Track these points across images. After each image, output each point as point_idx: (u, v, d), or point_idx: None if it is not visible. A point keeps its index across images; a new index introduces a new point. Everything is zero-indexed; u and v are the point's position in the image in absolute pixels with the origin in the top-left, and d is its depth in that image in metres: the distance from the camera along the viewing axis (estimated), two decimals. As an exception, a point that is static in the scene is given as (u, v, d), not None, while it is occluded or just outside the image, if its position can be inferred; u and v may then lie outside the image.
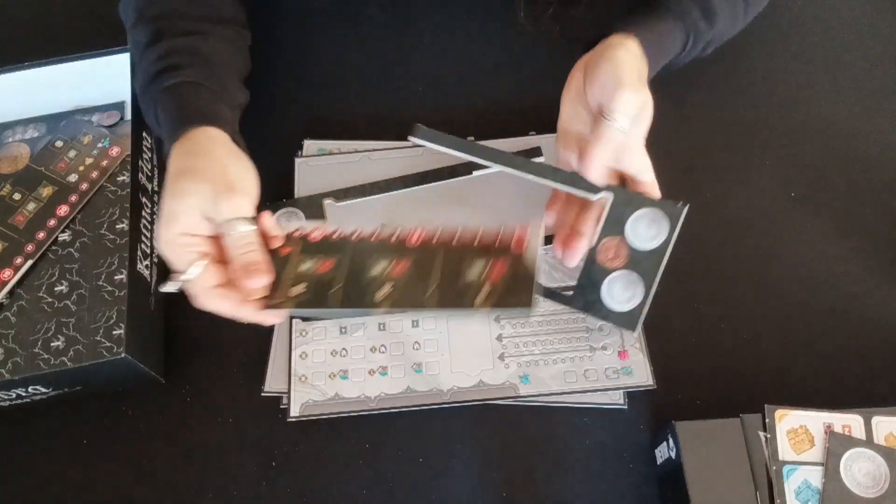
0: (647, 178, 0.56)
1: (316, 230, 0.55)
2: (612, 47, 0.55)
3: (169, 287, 0.50)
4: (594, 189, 0.55)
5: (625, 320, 0.55)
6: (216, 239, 0.52)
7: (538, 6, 0.65)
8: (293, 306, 0.51)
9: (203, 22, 0.61)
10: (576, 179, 0.56)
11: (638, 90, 0.53)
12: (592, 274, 0.56)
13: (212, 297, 0.51)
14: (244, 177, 0.53)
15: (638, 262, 0.55)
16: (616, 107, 0.52)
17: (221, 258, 0.52)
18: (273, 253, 0.53)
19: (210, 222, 0.51)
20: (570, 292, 0.56)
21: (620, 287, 0.55)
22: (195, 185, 0.50)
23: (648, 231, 0.55)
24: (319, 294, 0.51)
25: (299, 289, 0.52)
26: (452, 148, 0.57)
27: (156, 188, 0.66)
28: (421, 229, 0.54)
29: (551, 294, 0.57)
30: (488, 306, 0.49)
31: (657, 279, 0.54)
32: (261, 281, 0.51)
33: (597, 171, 0.54)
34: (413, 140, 0.57)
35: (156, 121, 0.58)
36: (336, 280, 0.52)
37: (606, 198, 0.55)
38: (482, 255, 0.51)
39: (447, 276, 0.51)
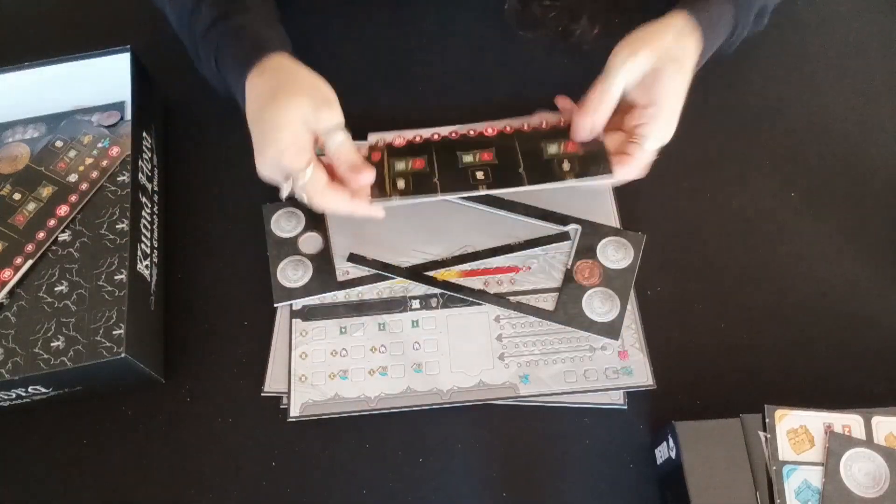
0: (644, 144, 0.58)
1: (397, 138, 0.63)
2: (670, 61, 0.56)
3: (286, 191, 0.55)
4: (565, 222, 0.64)
5: (606, 330, 0.60)
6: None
7: (529, 12, 0.66)
8: (401, 196, 0.58)
9: None
10: (547, 214, 0.64)
11: (676, 118, 0.57)
12: (572, 291, 0.61)
13: (327, 196, 0.55)
14: (332, 91, 0.56)
15: (612, 279, 0.61)
16: (652, 135, 0.57)
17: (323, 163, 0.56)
18: (366, 159, 0.58)
19: (310, 132, 0.55)
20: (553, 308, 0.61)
21: (599, 301, 0.61)
22: (296, 98, 0.54)
23: (616, 254, 0.62)
24: (422, 184, 0.59)
25: (401, 183, 0.59)
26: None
27: (156, 188, 0.66)
28: (491, 125, 0.64)
29: (535, 311, 0.61)
30: (573, 176, 0.58)
31: (630, 292, 0.61)
32: (368, 177, 0.56)
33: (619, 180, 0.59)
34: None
35: (215, 65, 0.60)
36: (432, 173, 0.59)
37: (575, 228, 0.64)
38: (553, 136, 0.61)
39: (529, 156, 0.60)
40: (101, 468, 0.58)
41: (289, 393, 0.59)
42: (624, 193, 0.65)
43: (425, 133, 0.65)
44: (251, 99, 0.56)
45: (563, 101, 0.64)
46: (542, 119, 0.63)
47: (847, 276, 0.62)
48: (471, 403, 0.58)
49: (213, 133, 0.72)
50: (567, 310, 0.61)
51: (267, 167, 0.55)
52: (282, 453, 0.58)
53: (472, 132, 0.64)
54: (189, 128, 0.72)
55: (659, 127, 0.57)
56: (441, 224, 0.65)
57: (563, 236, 0.63)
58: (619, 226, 0.64)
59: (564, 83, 0.63)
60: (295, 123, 0.54)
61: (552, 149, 0.60)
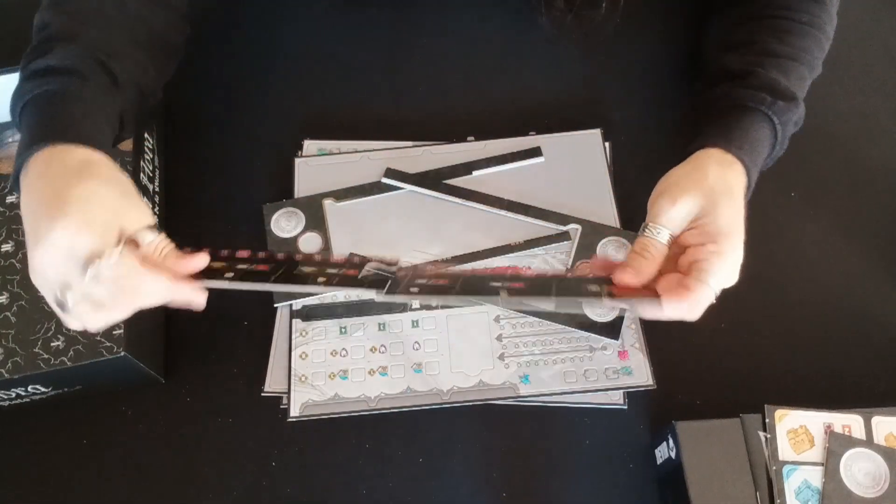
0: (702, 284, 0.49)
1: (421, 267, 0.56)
2: (719, 195, 0.50)
3: (75, 294, 0.44)
4: (565, 222, 0.63)
5: (606, 330, 0.59)
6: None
7: (558, 11, 0.63)
8: (232, 279, 0.50)
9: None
10: (547, 214, 0.63)
11: (740, 253, 0.50)
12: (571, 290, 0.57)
13: (143, 278, 0.46)
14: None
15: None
16: (716, 273, 0.49)
17: None
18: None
19: (118, 223, 0.46)
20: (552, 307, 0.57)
21: None
22: (110, 182, 0.46)
23: (617, 254, 0.62)
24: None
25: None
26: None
27: (157, 188, 0.66)
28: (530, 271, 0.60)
29: (534, 312, 0.60)
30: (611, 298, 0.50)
31: None
32: (203, 259, 0.49)
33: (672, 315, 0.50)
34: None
35: (20, 110, 0.51)
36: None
37: (575, 228, 0.63)
38: (597, 281, 0.51)
39: (564, 291, 0.51)
40: (101, 468, 0.58)
41: (289, 393, 0.59)
42: (624, 193, 0.65)
43: (453, 269, 0.60)
44: (42, 174, 0.46)
45: (600, 262, 0.56)
46: (588, 269, 0.58)
47: (847, 276, 0.62)
48: (471, 403, 0.58)
49: (213, 133, 0.72)
50: (567, 310, 0.61)
51: (58, 254, 0.44)
52: (282, 453, 0.58)
53: (508, 271, 0.59)
54: (190, 129, 0.72)
55: (723, 265, 0.49)
56: (441, 224, 0.65)
57: (563, 236, 0.63)
58: (619, 226, 0.64)
59: (566, 84, 0.63)
60: (106, 204, 0.45)
61: (593, 287, 0.51)
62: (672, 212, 0.50)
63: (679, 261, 0.51)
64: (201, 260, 0.49)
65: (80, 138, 0.47)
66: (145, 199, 0.63)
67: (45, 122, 0.49)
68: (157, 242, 0.48)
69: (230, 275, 0.50)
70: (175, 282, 0.47)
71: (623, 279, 0.50)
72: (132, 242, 0.46)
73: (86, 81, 0.51)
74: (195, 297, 0.49)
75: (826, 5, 0.59)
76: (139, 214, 0.47)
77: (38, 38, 0.54)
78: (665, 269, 0.51)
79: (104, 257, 0.44)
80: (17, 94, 0.51)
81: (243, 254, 0.53)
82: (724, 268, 0.49)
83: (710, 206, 0.50)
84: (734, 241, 0.50)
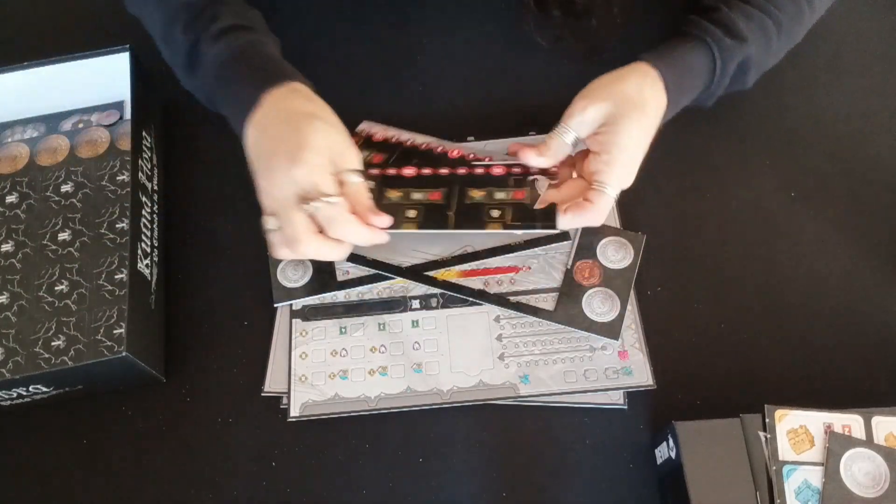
0: (594, 199, 0.56)
1: (380, 132, 0.66)
2: (631, 108, 0.55)
3: (315, 206, 0.52)
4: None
5: (606, 330, 0.59)
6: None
7: (548, 20, 0.65)
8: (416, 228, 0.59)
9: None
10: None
11: (634, 165, 0.56)
12: (572, 291, 0.61)
13: (349, 224, 0.53)
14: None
15: (611, 279, 0.61)
16: (610, 182, 0.56)
17: None
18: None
19: (334, 166, 0.53)
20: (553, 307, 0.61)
21: (598, 301, 0.61)
22: (332, 129, 0.54)
23: (616, 255, 0.62)
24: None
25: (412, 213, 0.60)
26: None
27: (156, 187, 0.66)
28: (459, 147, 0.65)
29: (535, 311, 0.61)
30: (501, 226, 0.59)
31: (630, 292, 0.61)
32: (385, 221, 0.55)
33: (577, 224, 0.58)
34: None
35: (215, 71, 0.58)
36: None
37: (575, 228, 0.63)
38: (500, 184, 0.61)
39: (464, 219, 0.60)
40: (101, 468, 0.58)
41: (289, 393, 0.59)
42: (624, 193, 0.65)
43: (403, 136, 0.66)
44: (272, 117, 0.54)
45: (516, 148, 0.62)
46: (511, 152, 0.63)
47: (847, 275, 0.62)
48: (471, 403, 0.58)
49: (213, 133, 0.71)
50: (567, 310, 0.61)
51: (284, 188, 0.52)
52: (282, 453, 0.58)
53: (441, 149, 0.65)
54: (189, 128, 0.72)
55: (615, 174, 0.56)
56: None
57: (563, 236, 0.63)
58: (619, 226, 0.64)
59: (567, 84, 0.63)
60: (326, 151, 0.53)
61: (494, 213, 0.60)
62: (582, 115, 0.56)
63: (583, 166, 0.58)
64: (384, 221, 0.55)
65: (295, 77, 0.56)
66: (144, 198, 0.63)
67: (259, 67, 0.56)
68: (359, 185, 0.55)
69: (412, 214, 0.60)
70: (371, 229, 0.54)
71: (523, 153, 0.59)
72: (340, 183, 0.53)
73: (261, 33, 0.60)
74: (379, 241, 0.56)
75: None
76: (351, 157, 0.54)
77: (197, 8, 0.59)
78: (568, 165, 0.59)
79: (324, 202, 0.51)
80: (215, 54, 0.57)
81: (409, 171, 0.63)
82: (616, 177, 0.56)
83: (616, 116, 0.55)
84: (628, 155, 0.56)
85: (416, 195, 0.61)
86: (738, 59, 0.59)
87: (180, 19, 0.59)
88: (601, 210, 0.56)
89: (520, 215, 0.59)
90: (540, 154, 0.58)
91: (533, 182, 0.61)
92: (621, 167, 0.56)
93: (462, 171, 0.63)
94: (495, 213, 0.59)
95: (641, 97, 0.56)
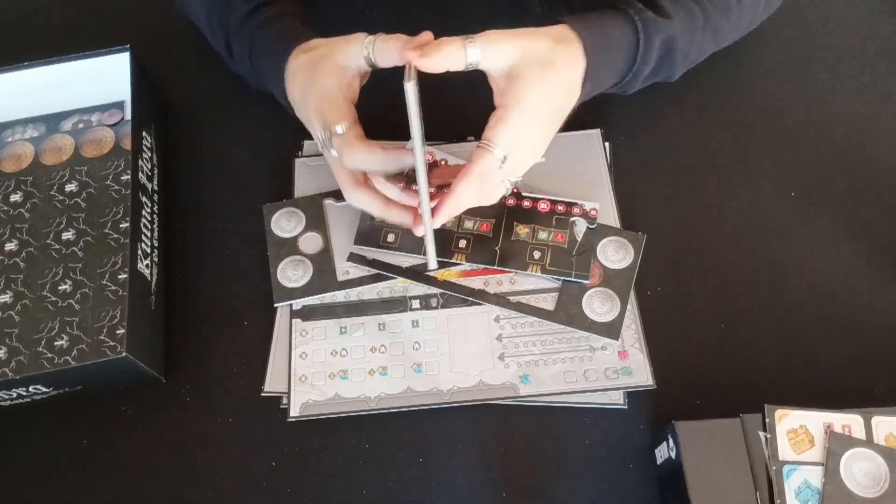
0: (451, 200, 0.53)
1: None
2: (537, 64, 0.51)
3: (324, 142, 0.55)
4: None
5: (606, 330, 0.59)
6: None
7: (554, 21, 0.64)
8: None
9: None
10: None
11: (529, 127, 0.52)
12: (572, 291, 0.61)
13: (356, 151, 0.54)
14: None
15: (611, 279, 0.61)
16: (497, 141, 0.51)
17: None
18: None
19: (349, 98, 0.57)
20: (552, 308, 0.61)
21: (599, 301, 0.61)
22: (346, 66, 0.57)
23: (616, 254, 0.62)
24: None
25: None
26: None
27: (156, 188, 0.66)
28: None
29: (535, 311, 0.61)
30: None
31: (630, 292, 0.61)
32: (427, 35, 0.54)
33: (462, 196, 0.53)
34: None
35: (249, 51, 0.63)
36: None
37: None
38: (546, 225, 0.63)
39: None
40: (101, 468, 0.58)
41: (289, 393, 0.59)
42: (624, 193, 0.66)
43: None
44: (299, 59, 0.58)
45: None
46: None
47: (847, 275, 0.62)
48: (471, 403, 0.58)
49: (213, 133, 0.72)
50: (567, 310, 0.61)
51: (313, 123, 0.56)
52: (282, 453, 0.58)
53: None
54: (189, 128, 0.72)
55: (505, 132, 0.51)
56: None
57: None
58: (619, 226, 0.64)
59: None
60: (338, 81, 0.56)
61: (542, 234, 0.63)
62: (496, 52, 0.51)
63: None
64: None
65: (310, 36, 0.60)
66: (144, 198, 0.63)
67: (286, 33, 0.61)
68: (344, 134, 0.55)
69: (463, 244, 0.63)
70: (385, 152, 0.54)
71: (410, 61, 0.52)
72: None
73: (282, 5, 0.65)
74: (396, 166, 0.55)
75: None
76: (335, 111, 0.55)
77: None
78: None
79: (333, 131, 0.54)
80: (248, 27, 0.63)
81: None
82: (505, 136, 0.51)
83: (521, 68, 0.51)
84: (524, 114, 0.51)
85: (468, 223, 0.63)
86: (661, 35, 0.57)
87: (215, 10, 0.65)
88: (481, 173, 0.51)
89: (558, 260, 0.62)
90: (423, 54, 0.51)
91: (573, 225, 0.63)
92: (513, 125, 0.51)
93: (511, 202, 0.64)
94: (537, 255, 0.62)
95: (553, 57, 0.52)
